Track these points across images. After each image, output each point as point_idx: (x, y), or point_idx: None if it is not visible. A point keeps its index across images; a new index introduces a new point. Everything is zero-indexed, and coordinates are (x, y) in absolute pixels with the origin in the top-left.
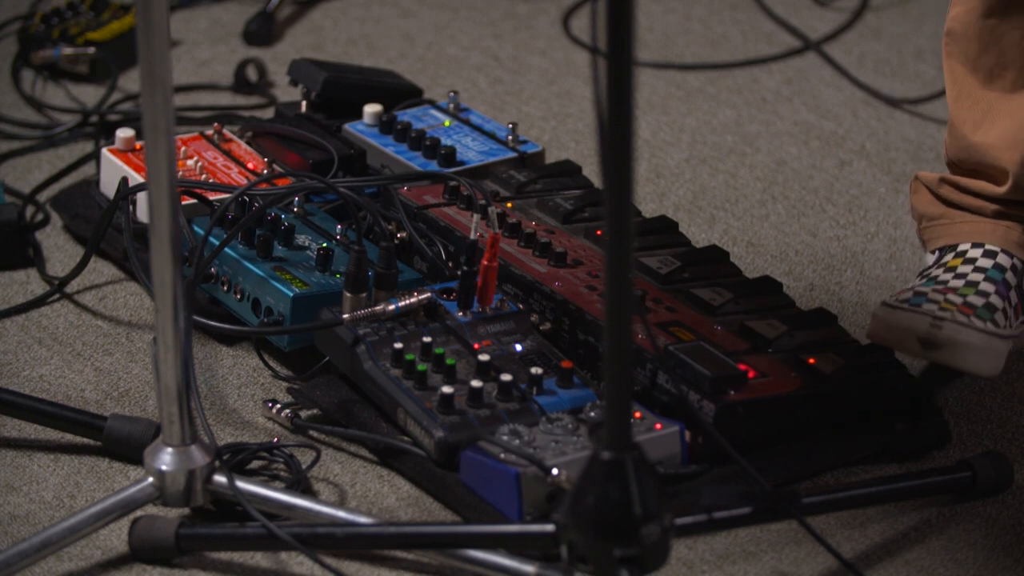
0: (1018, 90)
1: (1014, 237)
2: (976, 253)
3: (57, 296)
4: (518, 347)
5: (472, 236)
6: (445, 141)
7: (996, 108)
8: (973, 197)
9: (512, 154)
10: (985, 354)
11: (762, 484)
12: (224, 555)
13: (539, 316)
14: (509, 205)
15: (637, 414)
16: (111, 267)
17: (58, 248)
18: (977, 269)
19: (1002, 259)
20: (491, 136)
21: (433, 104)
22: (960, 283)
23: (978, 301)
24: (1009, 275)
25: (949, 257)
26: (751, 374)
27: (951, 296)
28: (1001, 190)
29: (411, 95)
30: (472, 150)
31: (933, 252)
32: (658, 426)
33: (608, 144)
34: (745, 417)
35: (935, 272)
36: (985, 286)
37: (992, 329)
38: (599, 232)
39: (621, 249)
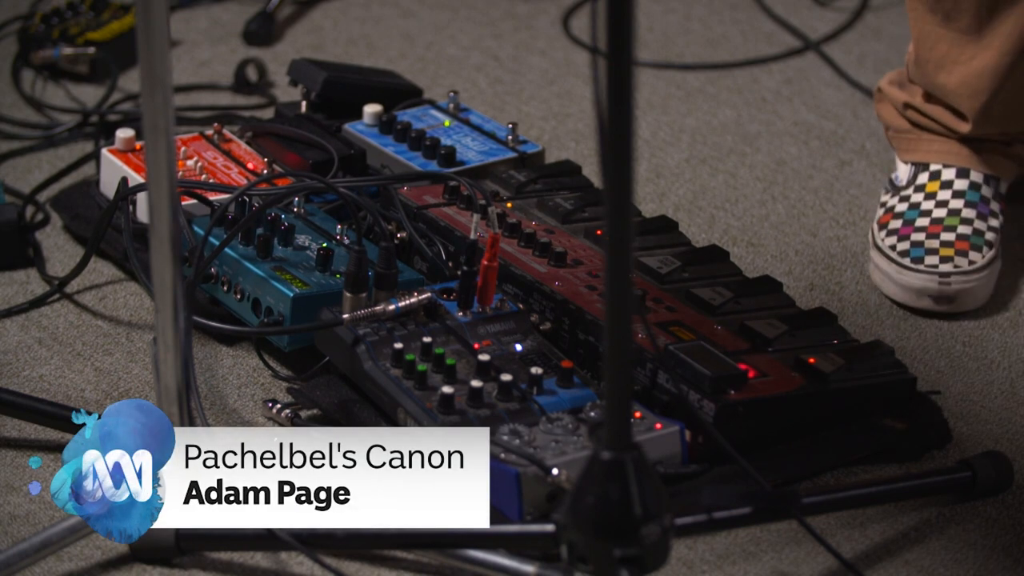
0: (973, 33)
1: (980, 156)
2: (950, 174)
3: (57, 296)
4: (518, 347)
5: (472, 236)
6: (445, 141)
7: (955, 51)
8: (938, 124)
9: (512, 154)
10: (989, 286)
11: (762, 484)
12: (224, 555)
13: (539, 316)
14: (509, 205)
15: (637, 414)
16: (111, 267)
17: (58, 248)
18: (956, 194)
19: (974, 176)
20: (491, 136)
21: (433, 104)
22: (943, 212)
23: (967, 230)
24: (984, 189)
25: (925, 178)
26: (751, 374)
27: (944, 235)
28: (963, 130)
29: (411, 95)
30: (472, 150)
31: (906, 163)
32: (658, 426)
33: (608, 144)
34: (745, 417)
35: (915, 198)
36: (967, 212)
37: (989, 257)
38: (599, 232)
39: (621, 249)
